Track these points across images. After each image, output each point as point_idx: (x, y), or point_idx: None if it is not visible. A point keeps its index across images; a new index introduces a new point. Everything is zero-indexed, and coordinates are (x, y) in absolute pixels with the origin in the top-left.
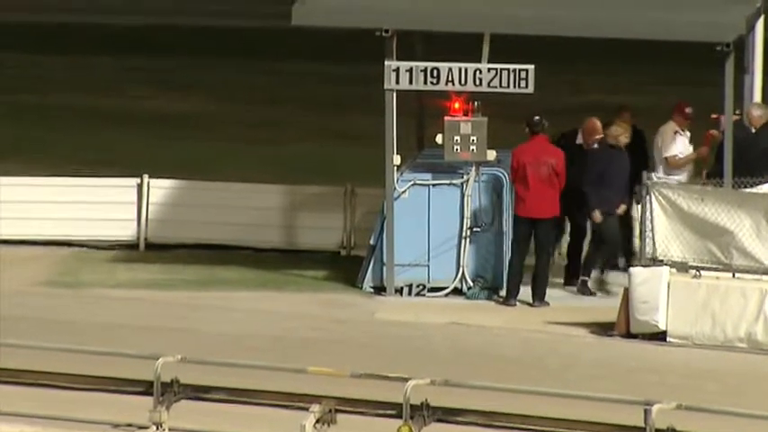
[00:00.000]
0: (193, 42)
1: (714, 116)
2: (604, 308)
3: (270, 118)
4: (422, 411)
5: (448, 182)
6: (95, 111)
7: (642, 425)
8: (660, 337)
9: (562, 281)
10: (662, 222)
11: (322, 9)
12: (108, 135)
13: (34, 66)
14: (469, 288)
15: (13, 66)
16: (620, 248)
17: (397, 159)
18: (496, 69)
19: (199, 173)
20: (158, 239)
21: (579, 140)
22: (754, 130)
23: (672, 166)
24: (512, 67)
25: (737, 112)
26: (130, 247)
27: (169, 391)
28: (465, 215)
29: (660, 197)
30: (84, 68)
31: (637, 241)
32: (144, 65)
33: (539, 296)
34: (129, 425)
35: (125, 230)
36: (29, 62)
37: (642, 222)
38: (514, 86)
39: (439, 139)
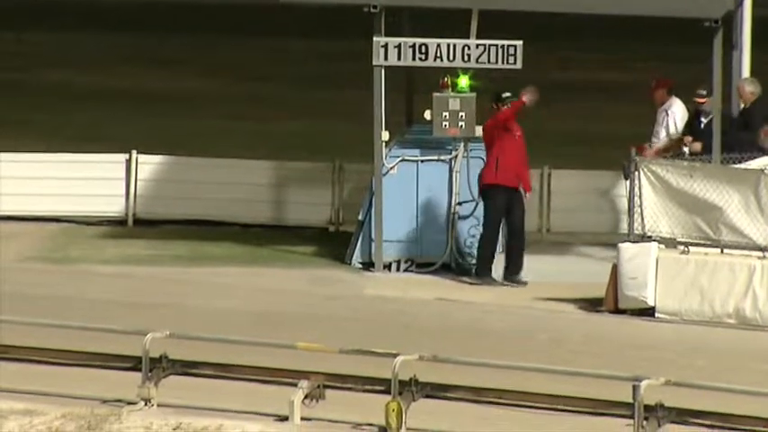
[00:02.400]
0: (181, 19)
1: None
2: (592, 284)
3: (258, 94)
4: (410, 387)
5: (436, 158)
6: (81, 88)
7: (631, 400)
8: (649, 312)
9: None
10: (650, 198)
11: None
12: (94, 112)
13: (18, 43)
14: (458, 264)
15: None
16: None
17: (385, 135)
18: (485, 45)
19: (187, 150)
20: (147, 215)
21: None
22: (743, 106)
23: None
24: (500, 43)
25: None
26: (119, 222)
27: (158, 367)
28: (453, 191)
29: (649, 173)
30: (70, 45)
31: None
32: (130, 42)
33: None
34: (118, 400)
35: (113, 206)
36: (12, 39)
37: (630, 198)
38: (503, 62)
39: (427, 115)
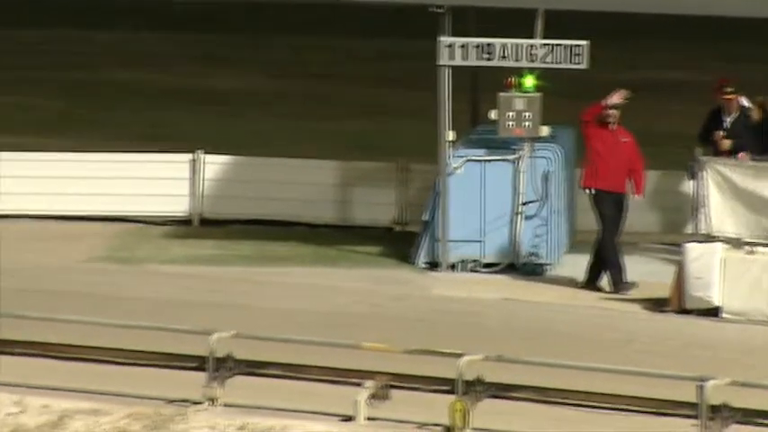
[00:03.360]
0: (246, 18)
1: None
2: (658, 284)
3: (324, 94)
4: (475, 387)
5: (501, 158)
6: (149, 87)
7: (696, 401)
8: (714, 312)
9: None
10: (716, 198)
11: None
12: (161, 111)
13: (84, 42)
14: (523, 264)
15: (64, 42)
16: None
17: (450, 135)
18: (550, 45)
19: (252, 149)
20: (212, 215)
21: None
22: None
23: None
24: (566, 42)
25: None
26: (184, 222)
27: (223, 367)
28: (518, 191)
29: (715, 173)
30: (137, 45)
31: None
32: (196, 41)
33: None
34: (184, 400)
35: (179, 206)
36: (79, 38)
37: (696, 198)
38: (568, 62)
39: (493, 114)
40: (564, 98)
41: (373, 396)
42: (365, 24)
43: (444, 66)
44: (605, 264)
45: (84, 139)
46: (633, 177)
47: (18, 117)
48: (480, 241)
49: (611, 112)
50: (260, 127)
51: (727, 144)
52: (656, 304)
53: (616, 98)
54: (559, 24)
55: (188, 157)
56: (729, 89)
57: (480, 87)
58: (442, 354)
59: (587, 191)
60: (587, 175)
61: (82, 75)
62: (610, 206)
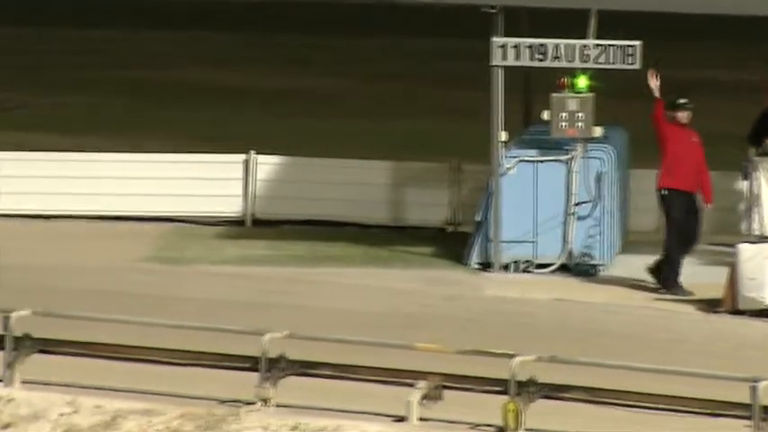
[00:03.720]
0: (307, 18)
1: None
2: (710, 284)
3: (379, 94)
4: (528, 388)
5: (554, 158)
6: (205, 86)
7: (749, 401)
8: (767, 313)
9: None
10: None
11: None
12: (217, 111)
13: (147, 42)
14: (576, 264)
15: (125, 42)
16: None
17: (503, 136)
18: (603, 45)
19: (310, 149)
20: (265, 216)
21: None
22: None
23: None
24: (619, 43)
25: None
26: (237, 223)
27: (276, 367)
28: (571, 191)
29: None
30: (198, 44)
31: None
32: (258, 40)
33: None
34: (236, 401)
35: (232, 206)
36: (141, 38)
37: (749, 198)
38: (621, 63)
39: (545, 115)
40: (614, 99)
41: (426, 397)
42: (418, 24)
43: (497, 66)
44: (666, 260)
45: (143, 140)
46: (701, 181)
47: (79, 117)
48: (533, 242)
49: (683, 113)
50: (315, 127)
51: None
52: (709, 305)
53: (652, 83)
54: (614, 24)
55: (241, 157)
56: None
57: (533, 88)
58: (495, 354)
59: (662, 192)
60: (663, 175)
61: (143, 74)
62: (680, 207)
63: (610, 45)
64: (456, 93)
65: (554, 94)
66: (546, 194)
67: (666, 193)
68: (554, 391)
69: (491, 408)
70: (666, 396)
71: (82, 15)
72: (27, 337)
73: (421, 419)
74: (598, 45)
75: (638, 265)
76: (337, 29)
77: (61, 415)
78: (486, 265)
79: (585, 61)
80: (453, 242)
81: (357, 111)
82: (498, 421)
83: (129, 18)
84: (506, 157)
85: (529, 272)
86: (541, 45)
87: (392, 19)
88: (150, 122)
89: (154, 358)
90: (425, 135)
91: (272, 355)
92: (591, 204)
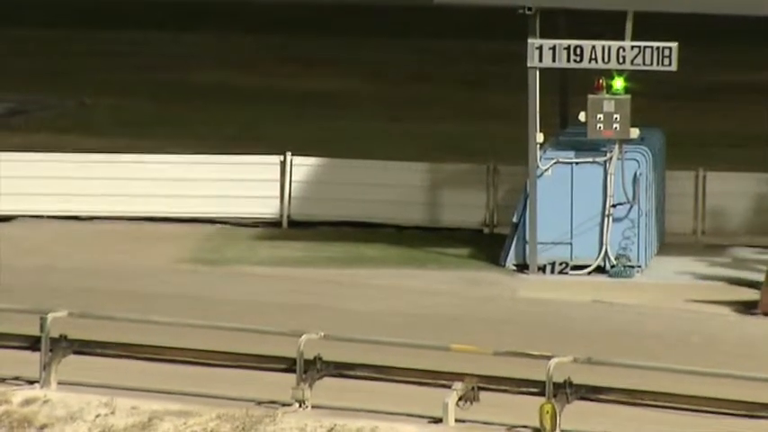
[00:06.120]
0: (339, 21)
1: None
2: (747, 286)
3: (415, 96)
4: (565, 389)
5: (591, 160)
6: (239, 89)
7: None
8: None
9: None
10: None
11: None
12: (252, 113)
13: (176, 44)
14: (612, 266)
15: (156, 44)
16: None
17: (540, 137)
18: (640, 47)
19: (344, 151)
20: (301, 217)
21: None
22: None
23: None
24: (655, 44)
25: None
26: (273, 224)
27: (312, 369)
28: (608, 193)
29: None
30: (228, 46)
31: None
32: (289, 43)
33: None
34: (273, 402)
35: (268, 208)
36: (171, 40)
37: None
38: (658, 64)
39: (582, 116)
40: (652, 100)
41: (462, 398)
42: (454, 26)
43: (533, 68)
44: None
45: (174, 141)
46: None
47: (110, 119)
48: (569, 243)
49: None
50: (351, 129)
51: None
52: (747, 306)
53: None
54: (651, 26)
55: (277, 159)
56: None
57: (569, 89)
58: (532, 356)
59: None
60: None
61: (173, 76)
62: None
63: (646, 46)
64: (491, 94)
65: (591, 96)
66: (582, 196)
67: None
68: (591, 393)
69: (527, 409)
70: (703, 398)
71: (103, 17)
72: (63, 338)
73: (457, 420)
74: (634, 46)
75: (675, 267)
76: (368, 32)
77: (97, 416)
78: (522, 267)
79: (622, 63)
80: (489, 244)
81: (392, 113)
82: (535, 423)
83: (157, 19)
84: (543, 158)
85: (565, 273)
86: (578, 46)
87: (423, 21)
88: (180, 125)
89: (191, 359)
90: (461, 137)
91: (309, 356)
92: (627, 206)
